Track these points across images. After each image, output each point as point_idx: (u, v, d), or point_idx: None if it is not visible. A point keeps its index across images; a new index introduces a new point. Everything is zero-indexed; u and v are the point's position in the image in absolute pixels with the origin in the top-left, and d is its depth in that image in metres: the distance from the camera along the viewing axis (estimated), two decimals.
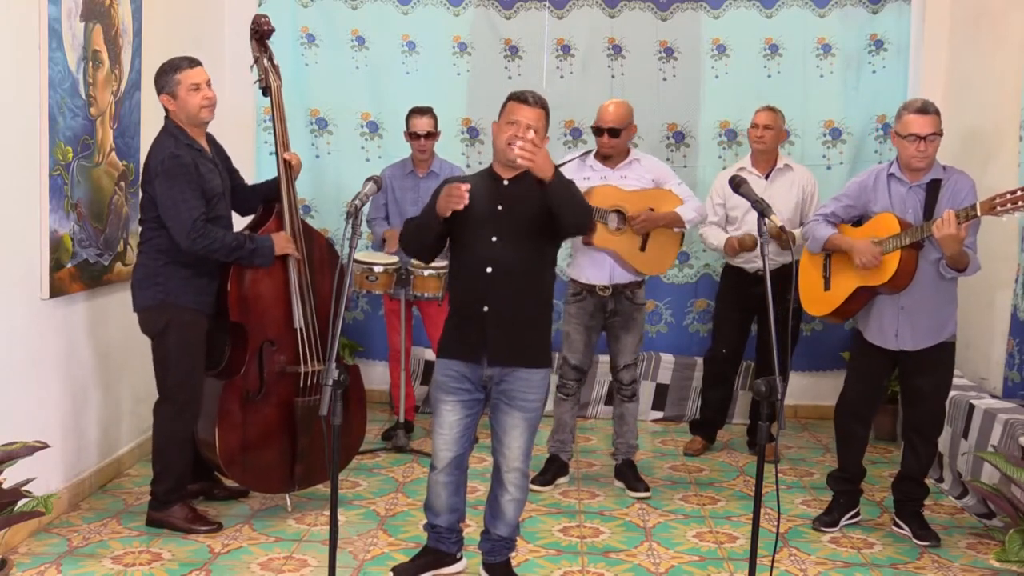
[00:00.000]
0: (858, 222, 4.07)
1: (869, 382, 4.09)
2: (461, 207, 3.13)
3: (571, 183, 3.28)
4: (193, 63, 3.83)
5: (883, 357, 4.00)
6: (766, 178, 5.02)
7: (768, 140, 5.03)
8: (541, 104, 3.29)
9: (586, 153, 4.63)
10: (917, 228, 3.76)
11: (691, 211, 4.48)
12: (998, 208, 3.54)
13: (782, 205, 4.91)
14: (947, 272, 3.79)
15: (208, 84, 3.84)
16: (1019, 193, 3.50)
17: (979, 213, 3.57)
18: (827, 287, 4.12)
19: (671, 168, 4.78)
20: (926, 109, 3.82)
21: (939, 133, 3.84)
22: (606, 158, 4.54)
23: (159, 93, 3.82)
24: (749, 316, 5.21)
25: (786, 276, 4.91)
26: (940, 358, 3.93)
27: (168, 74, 3.79)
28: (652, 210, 4.42)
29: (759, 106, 5.14)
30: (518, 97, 3.30)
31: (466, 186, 3.15)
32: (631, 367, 4.59)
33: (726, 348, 5.21)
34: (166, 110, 3.84)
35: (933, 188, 3.85)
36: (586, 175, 4.48)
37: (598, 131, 4.51)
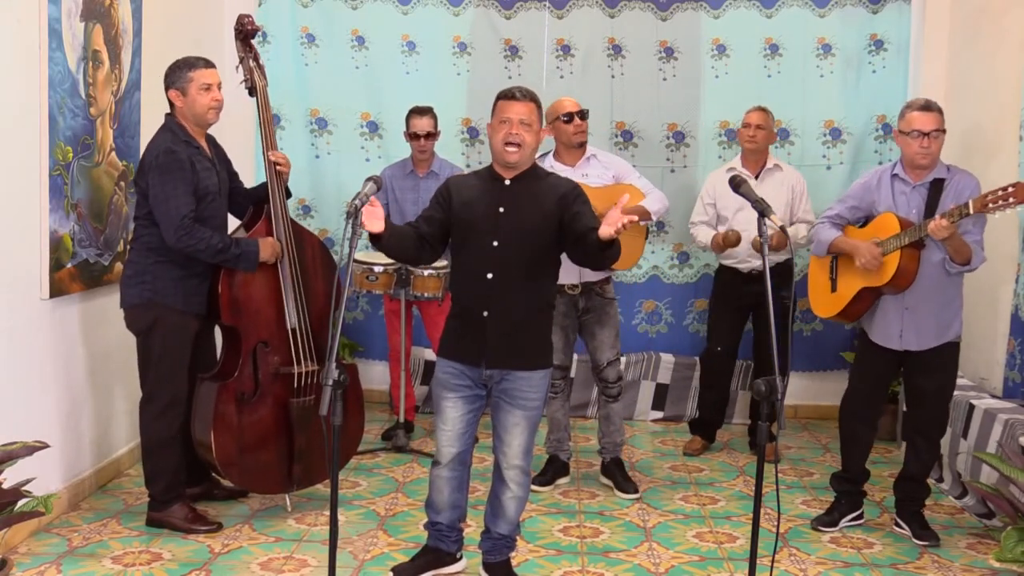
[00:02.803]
0: (864, 223, 4.07)
1: (872, 383, 4.08)
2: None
3: (619, 244, 3.15)
4: (209, 64, 3.84)
5: (888, 358, 3.98)
6: (756, 178, 5.04)
7: (760, 140, 5.06)
8: (530, 97, 3.28)
9: (543, 155, 4.60)
10: (916, 227, 3.75)
11: (656, 202, 4.48)
12: (990, 205, 3.55)
13: (772, 205, 4.90)
14: (952, 268, 3.79)
15: (219, 87, 3.85)
16: (1010, 190, 3.51)
17: (972, 211, 3.58)
18: (834, 289, 4.12)
19: (630, 162, 4.77)
20: (929, 107, 3.85)
21: (942, 130, 3.84)
22: (578, 147, 4.48)
23: (168, 88, 3.81)
24: (743, 315, 5.23)
25: (780, 273, 4.97)
26: (944, 358, 3.92)
27: (182, 70, 3.79)
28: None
29: (751, 106, 5.15)
30: (506, 95, 3.29)
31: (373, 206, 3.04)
32: (615, 363, 4.55)
33: (721, 347, 5.23)
34: (172, 106, 3.84)
35: (936, 187, 3.85)
36: None
37: (569, 117, 4.41)
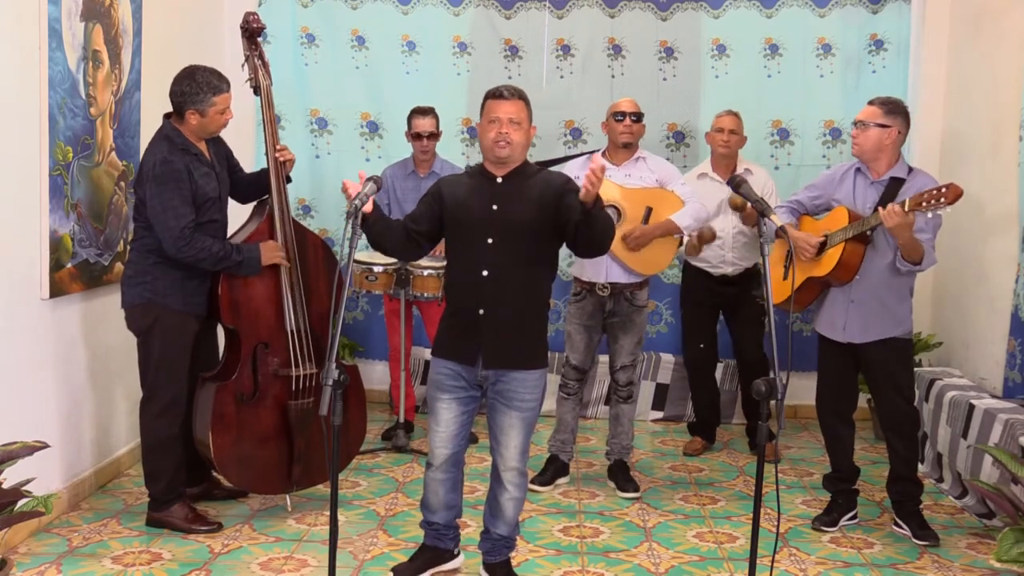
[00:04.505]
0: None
1: (834, 376, 4.13)
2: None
3: (608, 215, 3.20)
4: (229, 86, 3.83)
5: (840, 350, 4.04)
6: (727, 183, 5.03)
7: (733, 145, 5.06)
8: (519, 95, 3.27)
9: (594, 152, 4.62)
10: (861, 221, 3.81)
11: (688, 217, 4.41)
12: (923, 204, 3.58)
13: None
14: (903, 266, 3.82)
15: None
16: (943, 190, 3.53)
17: (907, 208, 3.60)
18: (785, 276, 4.18)
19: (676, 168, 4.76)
20: (871, 102, 3.94)
21: (880, 124, 3.88)
22: (624, 147, 4.50)
23: (186, 106, 3.74)
24: (715, 313, 5.28)
25: (751, 276, 5.09)
26: (892, 352, 3.96)
27: (206, 93, 3.74)
28: (650, 210, 4.39)
29: (721, 110, 5.14)
30: (494, 94, 3.28)
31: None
32: (628, 368, 4.58)
33: (703, 343, 5.24)
34: (176, 115, 3.80)
35: (894, 185, 3.90)
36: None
37: (621, 116, 4.46)
